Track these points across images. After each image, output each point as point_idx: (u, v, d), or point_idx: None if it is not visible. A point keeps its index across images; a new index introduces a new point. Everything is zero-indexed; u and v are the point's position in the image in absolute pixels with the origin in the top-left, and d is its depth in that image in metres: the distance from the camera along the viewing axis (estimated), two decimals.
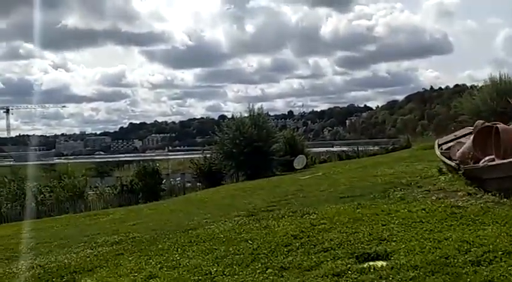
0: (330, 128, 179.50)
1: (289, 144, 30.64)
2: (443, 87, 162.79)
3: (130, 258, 7.27)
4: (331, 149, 50.31)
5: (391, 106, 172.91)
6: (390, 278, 4.58)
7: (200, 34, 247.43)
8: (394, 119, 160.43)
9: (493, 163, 7.59)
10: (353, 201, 9.06)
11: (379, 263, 5.07)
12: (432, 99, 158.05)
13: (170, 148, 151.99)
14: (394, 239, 5.75)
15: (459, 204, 7.38)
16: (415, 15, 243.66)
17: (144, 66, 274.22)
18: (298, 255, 5.76)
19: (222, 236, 7.61)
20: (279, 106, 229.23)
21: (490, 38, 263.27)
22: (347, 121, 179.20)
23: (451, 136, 12.29)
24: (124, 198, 27.62)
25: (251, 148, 26.97)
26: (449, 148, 10.54)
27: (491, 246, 4.95)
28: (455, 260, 4.74)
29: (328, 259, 5.41)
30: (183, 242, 7.73)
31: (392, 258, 5.13)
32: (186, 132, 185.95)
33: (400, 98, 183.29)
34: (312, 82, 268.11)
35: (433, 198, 8.18)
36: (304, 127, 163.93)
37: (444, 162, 10.08)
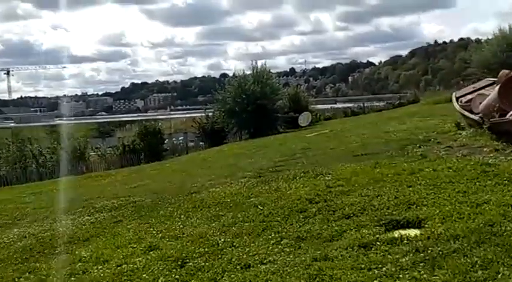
0: (332, 85, 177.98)
1: (293, 101, 29.87)
2: (447, 41, 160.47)
3: (129, 227, 6.66)
4: (335, 105, 49.42)
5: (395, 61, 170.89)
6: (429, 251, 3.87)
7: None
8: (397, 75, 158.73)
9: None
10: (369, 159, 8.40)
11: (412, 232, 4.40)
12: (436, 54, 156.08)
13: (172, 107, 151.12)
14: (425, 202, 5.08)
15: (489, 161, 6.70)
16: None
17: (144, 25, 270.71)
18: (317, 223, 5.10)
19: (228, 200, 6.97)
20: (281, 63, 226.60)
21: None
22: (349, 77, 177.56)
23: (469, 88, 11.54)
24: (126, 159, 27.00)
25: (254, 105, 26.22)
26: (469, 101, 9.80)
27: None
28: (503, 229, 4.06)
29: (352, 227, 4.75)
30: (186, 207, 7.09)
31: (426, 225, 4.45)
32: (188, 91, 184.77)
33: (403, 53, 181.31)
34: (313, 38, 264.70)
35: (458, 155, 7.51)
36: (306, 84, 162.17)
37: (465, 116, 9.36)
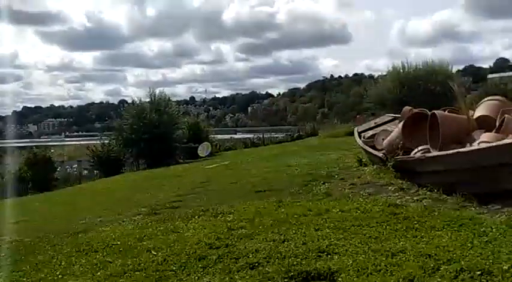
0: (231, 115, 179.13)
1: (193, 131, 29.29)
2: (342, 76, 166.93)
3: None
4: (235, 136, 49.27)
5: (292, 94, 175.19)
6: None
7: (99, 16, 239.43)
8: (295, 107, 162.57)
9: (432, 154, 6.70)
10: (272, 196, 7.96)
11: None
12: (332, 88, 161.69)
13: (68, 133, 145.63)
14: (336, 250, 4.62)
15: (396, 201, 6.45)
16: (315, 3, 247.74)
17: (39, 47, 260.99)
18: (217, 274, 4.48)
19: (118, 242, 6.20)
20: (181, 92, 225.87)
21: (386, 29, 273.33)
22: (249, 108, 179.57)
23: (370, 123, 11.53)
24: (12, 188, 25.14)
25: (152, 135, 25.38)
26: (372, 137, 9.68)
27: (462, 263, 3.92)
28: None
29: (257, 280, 4.21)
30: (69, 251, 6.23)
31: (340, 279, 4.00)
32: (85, 117, 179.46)
33: (301, 85, 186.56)
34: (213, 68, 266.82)
35: (363, 193, 7.24)
36: (206, 113, 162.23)
37: (367, 152, 9.20)
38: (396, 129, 8.45)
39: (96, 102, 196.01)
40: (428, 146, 7.35)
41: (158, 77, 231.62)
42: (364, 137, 10.27)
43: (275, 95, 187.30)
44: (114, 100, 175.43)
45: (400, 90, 33.05)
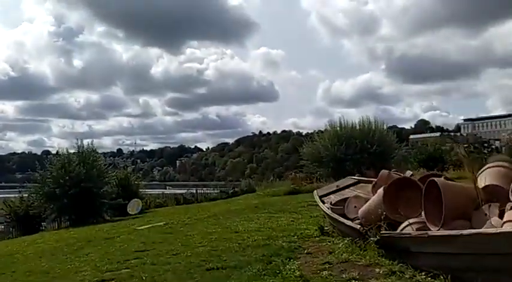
0: (159, 168, 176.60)
1: (122, 186, 27.40)
2: (271, 132, 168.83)
3: None
4: (166, 191, 47.33)
5: (222, 148, 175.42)
6: None
7: (24, 65, 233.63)
8: (224, 161, 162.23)
9: (437, 233, 5.45)
10: (228, 278, 6.50)
11: None
12: (261, 143, 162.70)
13: None
14: None
15: None
16: (244, 62, 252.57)
17: None
18: None
19: None
20: (107, 143, 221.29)
21: (312, 88, 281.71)
22: (177, 161, 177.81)
23: (331, 187, 10.31)
24: None
25: (78, 189, 23.34)
26: (339, 203, 8.41)
27: None
28: None
29: None
30: None
31: None
32: (5, 167, 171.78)
33: (229, 140, 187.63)
34: (141, 121, 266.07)
35: (346, 277, 5.89)
36: (134, 166, 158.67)
37: (338, 222, 7.87)
38: (375, 196, 7.23)
39: (18, 152, 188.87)
40: (420, 219, 6.15)
41: (84, 128, 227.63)
42: (329, 203, 9.00)
43: (204, 149, 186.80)
44: (37, 151, 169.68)
45: (338, 148, 32.56)
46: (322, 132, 37.49)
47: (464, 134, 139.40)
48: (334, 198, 9.37)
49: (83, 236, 16.59)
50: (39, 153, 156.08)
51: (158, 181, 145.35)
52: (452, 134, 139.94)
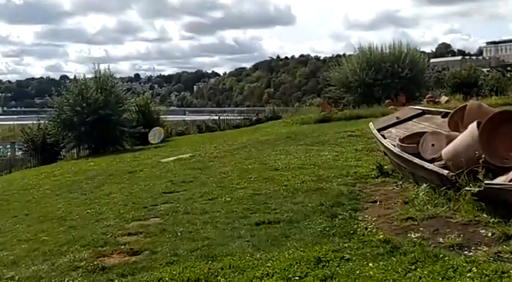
0: (177, 93, 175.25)
1: (142, 113, 26.13)
2: (288, 56, 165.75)
3: None
4: (186, 117, 46.05)
5: (239, 73, 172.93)
6: None
7: None
8: (241, 86, 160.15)
9: None
10: (287, 238, 5.18)
11: None
12: (278, 68, 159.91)
13: (5, 109, 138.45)
14: None
15: None
16: None
17: None
18: None
19: None
20: (124, 69, 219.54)
21: (329, 12, 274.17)
22: (195, 86, 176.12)
23: (391, 118, 8.81)
24: None
25: (96, 116, 22.12)
26: (409, 139, 6.95)
27: None
28: None
29: None
30: None
31: None
32: (24, 92, 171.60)
33: (246, 65, 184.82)
34: (158, 46, 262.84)
35: (446, 242, 4.53)
36: (151, 91, 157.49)
37: (415, 166, 6.36)
38: (465, 134, 5.77)
39: (36, 77, 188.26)
40: None
41: (101, 53, 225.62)
42: (391, 138, 7.54)
43: (221, 74, 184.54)
44: (55, 76, 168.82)
45: (367, 73, 30.81)
46: (349, 56, 35.62)
47: (487, 58, 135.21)
48: (395, 132, 7.93)
49: (103, 168, 15.51)
50: (57, 78, 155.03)
51: (176, 106, 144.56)
52: (474, 57, 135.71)
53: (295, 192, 7.25)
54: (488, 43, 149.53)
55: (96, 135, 22.57)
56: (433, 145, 6.38)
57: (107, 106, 22.53)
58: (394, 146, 7.01)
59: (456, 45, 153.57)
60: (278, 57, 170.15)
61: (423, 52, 38.47)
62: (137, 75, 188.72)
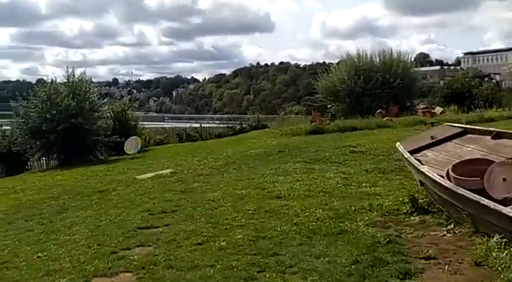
0: (156, 98, 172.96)
1: (119, 121, 24.20)
2: (268, 63, 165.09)
3: None
4: (165, 124, 43.97)
5: (219, 79, 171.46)
6: None
7: None
8: (221, 93, 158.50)
9: None
10: None
11: None
12: (258, 75, 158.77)
13: None
14: None
15: None
16: None
17: None
18: None
19: None
20: (102, 73, 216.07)
21: (308, 19, 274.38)
22: (174, 92, 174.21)
23: (424, 138, 7.09)
24: None
25: (68, 124, 20.17)
26: (457, 168, 5.28)
27: None
28: None
29: None
30: None
31: None
32: None
33: (225, 71, 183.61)
34: (136, 50, 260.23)
35: None
36: (130, 96, 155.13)
37: (479, 207, 4.67)
38: None
39: (12, 80, 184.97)
40: None
41: (78, 57, 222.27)
42: (428, 164, 5.87)
43: (201, 80, 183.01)
44: (32, 79, 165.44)
45: (356, 82, 29.29)
46: (337, 63, 34.09)
47: (465, 68, 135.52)
48: (434, 156, 6.27)
49: (71, 183, 13.72)
50: (33, 81, 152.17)
51: (155, 112, 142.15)
52: (452, 67, 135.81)
53: (311, 236, 5.54)
54: (465, 54, 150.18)
55: (68, 145, 20.63)
56: (504, 180, 4.73)
57: (80, 113, 20.59)
58: (442, 176, 5.34)
59: (433, 55, 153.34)
60: (258, 64, 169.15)
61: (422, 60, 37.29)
62: (115, 80, 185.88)
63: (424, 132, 8.79)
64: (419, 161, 6.14)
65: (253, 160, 12.98)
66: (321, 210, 6.63)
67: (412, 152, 6.52)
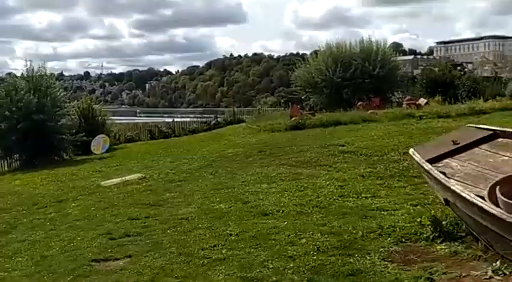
0: (128, 91, 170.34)
1: (85, 118, 22.65)
2: (242, 55, 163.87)
3: None
4: (137, 119, 42.20)
5: (192, 71, 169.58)
6: None
7: None
8: (194, 85, 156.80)
9: None
10: None
11: None
12: (232, 67, 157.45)
13: None
14: None
15: None
16: None
17: None
18: None
19: None
20: (73, 66, 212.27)
21: (281, 10, 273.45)
22: (147, 85, 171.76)
23: (443, 143, 5.79)
24: None
25: (29, 122, 18.62)
26: (500, 187, 4.08)
27: None
28: None
29: None
30: None
31: None
32: None
33: (198, 63, 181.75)
34: (107, 43, 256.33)
35: None
36: (102, 89, 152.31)
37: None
38: None
39: None
40: None
41: (48, 50, 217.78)
42: (454, 177, 4.67)
43: (174, 72, 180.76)
44: (1, 73, 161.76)
45: (334, 72, 28.17)
46: (315, 52, 32.91)
47: (437, 57, 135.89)
48: (460, 168, 5.03)
49: (28, 190, 12.34)
50: (3, 76, 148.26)
51: (128, 105, 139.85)
52: (425, 57, 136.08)
53: (313, 277, 4.27)
54: (438, 43, 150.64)
55: (29, 145, 19.07)
56: None
57: (42, 110, 19.03)
58: (482, 197, 4.12)
59: (406, 45, 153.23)
60: (231, 55, 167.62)
61: (395, 49, 36.42)
62: (87, 73, 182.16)
63: (442, 136, 7.49)
64: (444, 173, 4.88)
65: (231, 162, 11.72)
66: (319, 234, 5.38)
67: (431, 161, 5.26)
